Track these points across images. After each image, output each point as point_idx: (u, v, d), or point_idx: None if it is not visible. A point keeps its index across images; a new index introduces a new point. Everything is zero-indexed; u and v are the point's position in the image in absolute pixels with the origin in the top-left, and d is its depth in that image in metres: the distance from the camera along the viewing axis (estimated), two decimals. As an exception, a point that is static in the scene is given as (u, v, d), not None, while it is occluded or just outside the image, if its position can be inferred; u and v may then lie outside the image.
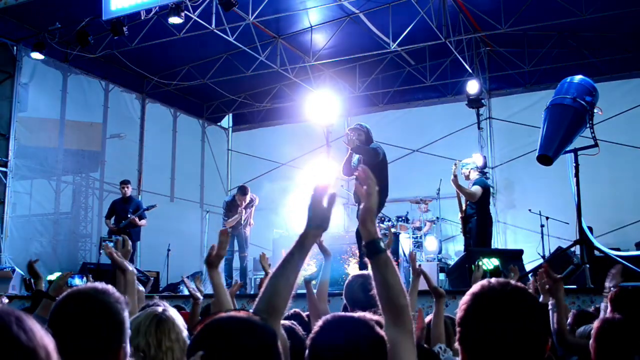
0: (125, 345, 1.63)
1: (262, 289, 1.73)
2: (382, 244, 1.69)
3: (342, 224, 10.84)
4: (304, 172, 11.38)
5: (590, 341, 2.11)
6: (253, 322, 1.45)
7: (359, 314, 1.72)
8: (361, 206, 1.73)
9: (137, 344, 1.97)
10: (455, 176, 7.38)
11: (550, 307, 2.95)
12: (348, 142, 6.44)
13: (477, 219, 7.53)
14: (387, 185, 6.51)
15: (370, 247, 1.69)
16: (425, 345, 2.74)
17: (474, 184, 7.63)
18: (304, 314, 3.39)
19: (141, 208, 9.21)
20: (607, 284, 3.07)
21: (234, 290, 4.09)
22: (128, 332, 1.67)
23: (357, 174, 1.75)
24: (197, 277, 3.99)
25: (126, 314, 1.67)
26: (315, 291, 3.33)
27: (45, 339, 0.90)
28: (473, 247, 7.28)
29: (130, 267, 2.68)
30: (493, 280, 1.54)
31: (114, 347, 1.60)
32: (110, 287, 1.72)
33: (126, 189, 9.29)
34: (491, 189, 11.33)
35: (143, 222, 9.20)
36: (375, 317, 1.71)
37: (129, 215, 8.99)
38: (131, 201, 9.33)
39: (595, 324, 2.14)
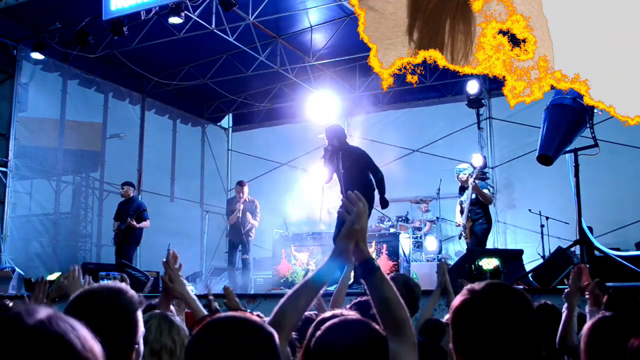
0: (138, 347, 1.58)
1: (279, 303, 1.73)
2: (375, 263, 1.69)
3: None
4: (304, 172, 11.39)
5: (581, 342, 2.09)
6: (252, 322, 1.45)
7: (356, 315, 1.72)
8: (352, 227, 1.71)
9: (164, 344, 1.94)
10: (474, 181, 7.43)
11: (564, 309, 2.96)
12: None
13: (484, 223, 7.59)
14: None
15: (365, 266, 1.69)
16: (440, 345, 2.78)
17: (482, 188, 7.68)
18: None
19: (140, 210, 9.09)
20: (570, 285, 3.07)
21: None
22: (141, 332, 1.61)
23: (343, 200, 1.77)
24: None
25: (139, 314, 1.61)
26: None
27: (95, 345, 0.91)
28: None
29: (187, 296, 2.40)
30: (485, 281, 1.54)
31: (126, 349, 1.55)
32: (123, 286, 1.66)
33: (123, 190, 9.22)
34: (490, 190, 11.36)
35: (143, 223, 9.03)
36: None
37: (128, 219, 8.87)
38: (132, 203, 9.17)
39: (587, 324, 2.13)
